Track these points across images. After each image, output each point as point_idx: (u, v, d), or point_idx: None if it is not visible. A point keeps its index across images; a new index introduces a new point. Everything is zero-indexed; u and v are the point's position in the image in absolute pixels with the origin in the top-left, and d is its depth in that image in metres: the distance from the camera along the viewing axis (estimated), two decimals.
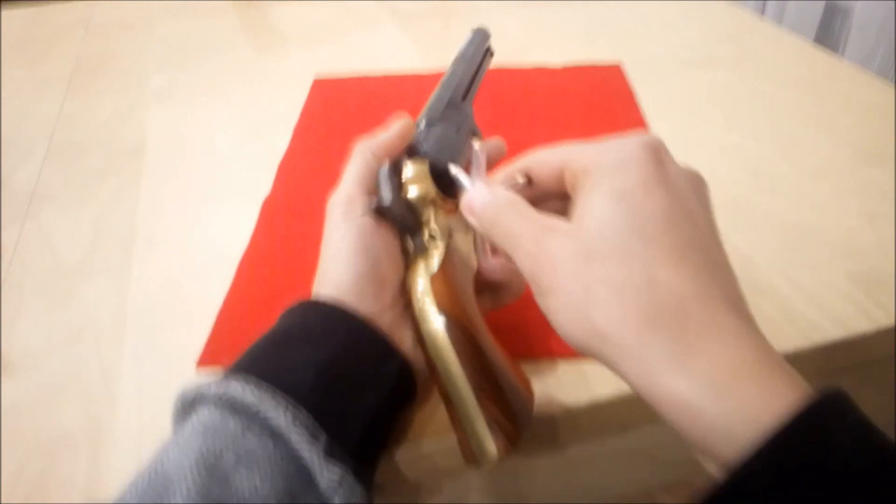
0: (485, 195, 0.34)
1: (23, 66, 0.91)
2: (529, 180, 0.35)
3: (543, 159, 0.35)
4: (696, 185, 0.32)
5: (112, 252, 0.56)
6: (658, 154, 0.30)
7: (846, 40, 1.08)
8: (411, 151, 0.40)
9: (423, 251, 0.37)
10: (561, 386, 0.41)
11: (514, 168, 0.36)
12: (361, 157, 0.40)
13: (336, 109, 0.73)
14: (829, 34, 1.09)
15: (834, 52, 0.99)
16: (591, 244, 0.29)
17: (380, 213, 0.37)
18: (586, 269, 0.28)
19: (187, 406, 0.32)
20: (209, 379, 0.32)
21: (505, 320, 0.42)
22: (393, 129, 0.41)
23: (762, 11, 1.22)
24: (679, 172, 0.31)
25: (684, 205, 0.29)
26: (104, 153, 0.69)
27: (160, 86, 0.82)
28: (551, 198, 0.35)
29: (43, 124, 0.75)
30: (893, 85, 0.69)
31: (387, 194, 0.37)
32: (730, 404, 0.25)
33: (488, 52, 0.48)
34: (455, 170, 0.38)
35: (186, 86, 0.82)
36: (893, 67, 0.96)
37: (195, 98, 0.79)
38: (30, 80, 0.87)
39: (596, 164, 0.31)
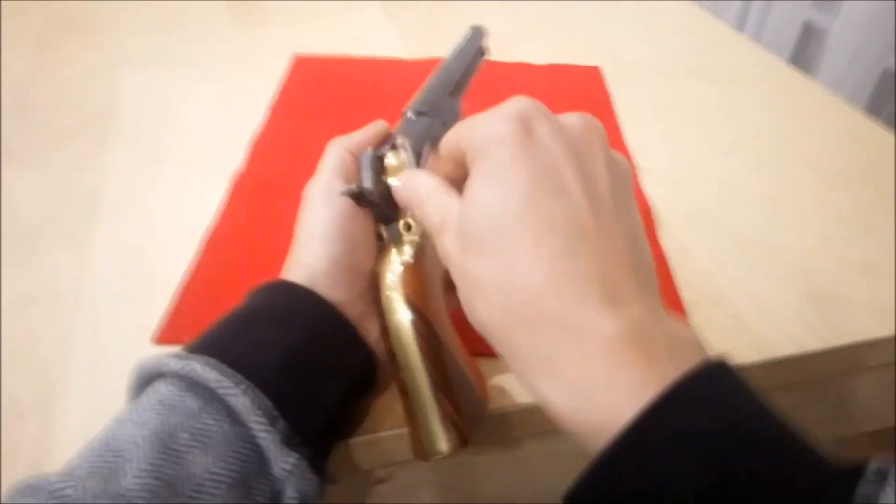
0: (409, 176, 0.35)
1: None
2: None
3: (452, 135, 0.33)
4: (583, 138, 0.30)
5: (74, 216, 0.54)
6: (526, 123, 0.29)
7: (820, 61, 1.10)
8: (395, 139, 0.40)
9: (397, 241, 0.37)
10: (517, 383, 0.41)
11: (442, 147, 0.35)
12: (336, 151, 0.40)
13: (316, 88, 0.72)
14: (804, 54, 1.11)
15: (808, 72, 1.01)
16: (467, 240, 0.28)
17: (358, 198, 0.37)
18: (466, 266, 0.29)
19: (144, 380, 0.32)
20: (169, 354, 0.31)
21: (465, 317, 0.42)
22: (369, 129, 0.41)
23: (742, 26, 1.24)
24: (552, 135, 0.29)
25: (553, 174, 0.28)
26: (72, 114, 0.68)
27: (135, 50, 0.80)
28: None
29: (9, 79, 0.73)
30: (865, 109, 0.71)
31: (367, 180, 0.36)
32: (587, 409, 0.25)
33: (481, 52, 0.48)
34: (404, 148, 0.38)
35: (162, 52, 0.80)
36: (866, 92, 0.98)
37: (170, 65, 0.77)
38: None
39: (471, 145, 0.30)
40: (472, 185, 0.29)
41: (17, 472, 0.28)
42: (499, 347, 0.28)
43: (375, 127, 0.42)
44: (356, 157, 0.39)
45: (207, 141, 0.64)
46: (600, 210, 0.28)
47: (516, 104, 0.30)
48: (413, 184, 0.34)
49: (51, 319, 0.46)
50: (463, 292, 0.29)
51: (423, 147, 0.38)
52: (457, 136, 0.32)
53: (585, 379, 0.25)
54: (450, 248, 0.30)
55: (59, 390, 0.41)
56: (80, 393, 0.41)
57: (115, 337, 0.44)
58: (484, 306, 0.28)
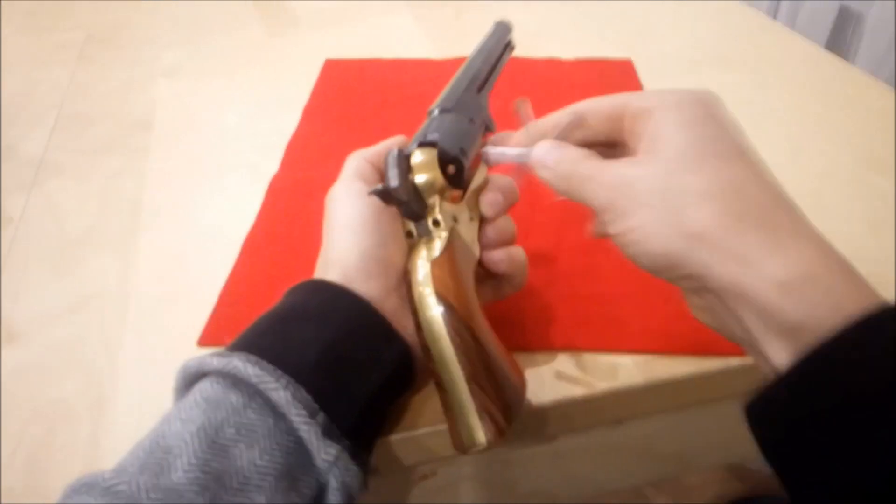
0: (556, 150, 0.35)
1: (34, 33, 0.91)
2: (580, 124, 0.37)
3: (597, 105, 0.36)
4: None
5: (117, 225, 0.56)
6: (709, 100, 0.34)
7: (858, 45, 1.08)
8: (421, 139, 0.40)
9: (426, 237, 0.37)
10: (556, 378, 0.41)
11: (565, 112, 0.37)
12: (356, 160, 0.41)
13: (347, 91, 0.73)
14: (841, 39, 1.09)
15: (845, 56, 0.99)
16: (671, 163, 0.31)
17: (385, 196, 0.37)
18: (671, 183, 0.30)
19: (189, 380, 0.33)
20: (211, 353, 0.32)
21: (503, 311, 0.42)
22: (387, 143, 0.42)
23: (775, 13, 1.22)
24: (729, 119, 0.34)
25: (740, 139, 0.32)
26: (113, 125, 0.70)
27: (170, 60, 0.82)
28: (598, 145, 0.36)
29: (52, 93, 0.75)
30: None
31: (394, 178, 0.36)
32: (819, 290, 0.27)
33: (508, 46, 0.48)
34: (494, 149, 0.39)
35: (197, 62, 0.82)
36: None
37: (205, 74, 0.79)
38: (40, 48, 0.87)
39: (658, 103, 0.33)
40: (674, 125, 0.32)
41: (73, 473, 0.29)
42: (706, 246, 0.29)
43: (394, 140, 0.43)
44: (375, 167, 0.40)
45: (244, 146, 0.65)
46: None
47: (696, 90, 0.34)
48: (566, 152, 0.35)
49: (99, 325, 0.47)
50: (660, 210, 0.30)
51: (464, 151, 0.39)
52: (618, 103, 0.36)
53: (817, 267, 0.28)
54: (640, 177, 0.31)
55: (109, 393, 0.42)
56: (130, 395, 0.42)
57: (161, 340, 0.45)
58: (700, 212, 0.29)
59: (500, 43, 0.47)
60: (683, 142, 0.31)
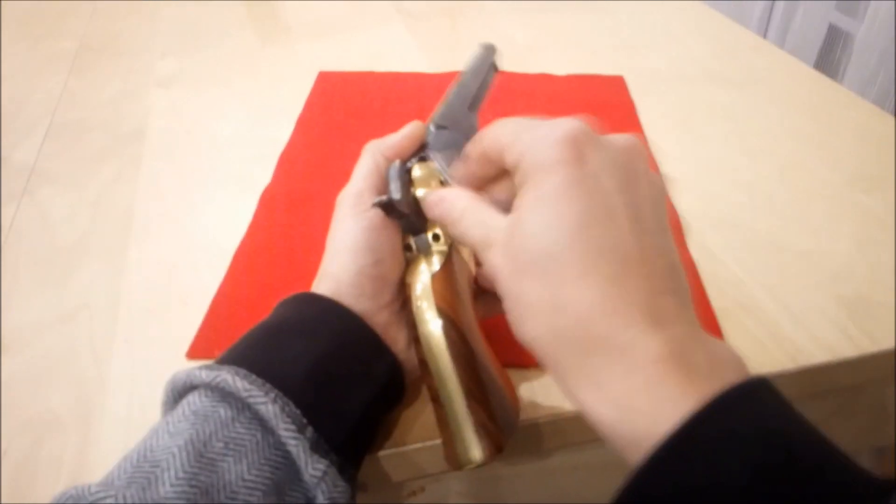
0: (442, 195, 0.35)
1: (27, 41, 0.91)
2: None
3: (492, 140, 0.33)
4: (629, 163, 0.30)
5: (109, 234, 0.56)
6: (578, 148, 0.29)
7: (846, 64, 1.09)
8: (421, 153, 0.40)
9: (425, 251, 0.38)
10: (548, 394, 0.41)
11: (473, 149, 0.35)
12: (371, 157, 0.40)
13: (340, 103, 0.73)
14: (830, 58, 1.10)
15: (833, 75, 1.00)
16: (517, 259, 0.29)
17: (387, 209, 0.37)
18: (514, 285, 0.29)
19: (177, 393, 0.32)
20: (200, 366, 0.32)
21: (496, 327, 0.42)
22: (404, 132, 0.41)
23: (765, 31, 1.23)
24: (602, 163, 0.29)
25: (602, 202, 0.28)
26: (105, 134, 0.69)
27: (164, 70, 0.82)
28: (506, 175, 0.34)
29: (45, 102, 0.75)
30: (893, 113, 0.70)
31: (396, 191, 0.37)
32: (629, 420, 0.26)
33: (493, 68, 0.49)
34: (436, 161, 0.39)
35: (190, 71, 0.82)
36: (893, 94, 0.97)
37: (198, 84, 0.79)
38: (34, 56, 0.87)
39: (520, 163, 0.30)
40: (524, 207, 0.29)
41: (60, 485, 0.29)
42: (544, 361, 0.29)
43: (411, 129, 0.41)
44: (389, 162, 0.39)
45: (237, 158, 0.65)
46: (643, 235, 0.29)
47: (568, 127, 0.30)
48: (447, 202, 0.34)
49: (88, 336, 0.47)
50: (510, 308, 0.29)
51: (452, 161, 0.39)
52: (499, 143, 0.32)
53: (629, 392, 0.26)
54: (497, 264, 0.30)
55: (97, 405, 0.42)
56: (118, 407, 0.42)
57: (150, 352, 0.45)
58: (532, 325, 0.28)
59: (486, 64, 0.48)
60: (531, 230, 0.29)
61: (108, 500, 0.27)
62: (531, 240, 0.29)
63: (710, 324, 0.46)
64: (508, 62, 0.51)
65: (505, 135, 0.32)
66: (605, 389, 0.26)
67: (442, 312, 0.35)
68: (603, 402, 0.26)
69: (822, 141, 0.66)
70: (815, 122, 0.69)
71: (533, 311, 0.28)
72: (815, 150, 0.65)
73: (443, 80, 0.46)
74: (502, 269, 0.30)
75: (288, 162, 0.63)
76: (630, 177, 0.30)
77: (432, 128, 0.42)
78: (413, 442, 0.38)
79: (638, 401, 0.26)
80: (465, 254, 0.39)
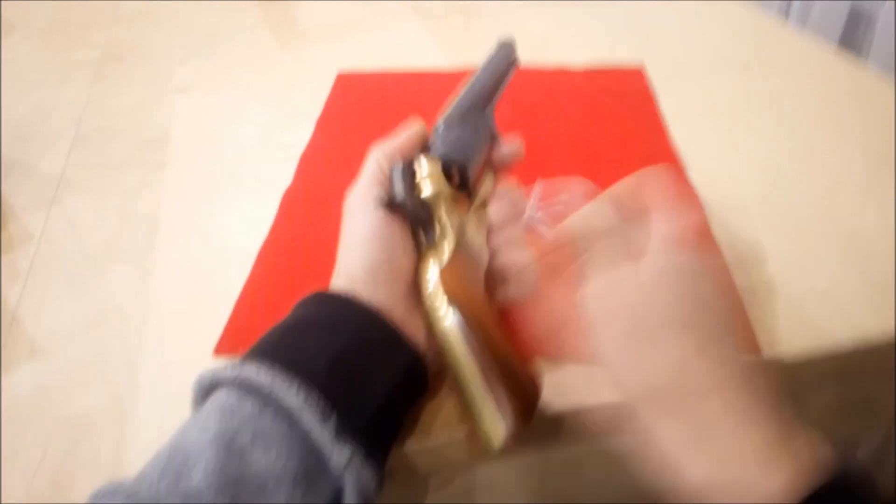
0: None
1: (50, 52, 0.93)
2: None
3: (633, 191, 0.39)
4: (721, 284, 0.36)
5: (136, 239, 0.57)
6: (698, 268, 0.35)
7: (869, 46, 1.07)
8: (427, 151, 0.41)
9: (434, 245, 0.38)
10: (572, 383, 0.41)
11: (608, 196, 0.40)
12: (374, 160, 0.42)
13: (359, 104, 0.74)
14: (852, 39, 1.08)
15: (857, 56, 0.99)
16: (638, 324, 0.34)
17: (392, 207, 0.39)
18: (632, 345, 0.34)
19: (205, 390, 0.33)
20: (225, 364, 0.33)
21: (515, 315, 0.43)
22: (404, 134, 0.43)
23: (786, 15, 1.22)
24: (710, 274, 0.35)
25: (711, 302, 0.34)
26: (130, 141, 0.71)
27: (185, 76, 0.83)
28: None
29: (70, 111, 0.77)
30: None
31: (399, 190, 0.39)
32: (737, 487, 0.29)
33: (513, 64, 0.49)
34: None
35: (210, 77, 0.83)
36: None
37: (219, 89, 0.80)
38: (58, 66, 0.88)
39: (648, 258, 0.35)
40: (657, 272, 0.35)
41: (98, 484, 0.29)
42: (647, 415, 0.33)
43: (411, 129, 0.44)
44: (391, 164, 0.41)
45: (259, 160, 0.66)
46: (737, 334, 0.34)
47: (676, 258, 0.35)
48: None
49: (119, 339, 0.48)
50: (620, 365, 0.34)
51: (469, 161, 0.40)
52: (642, 203, 0.38)
53: (738, 461, 0.30)
54: (613, 327, 0.35)
55: (130, 405, 0.43)
56: (150, 406, 0.43)
57: (179, 352, 0.46)
58: (645, 384, 0.33)
59: (504, 61, 0.48)
60: (659, 300, 0.34)
61: (143, 493, 0.28)
62: (661, 307, 0.34)
63: (736, 305, 0.45)
64: (525, 54, 0.51)
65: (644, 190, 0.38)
66: (713, 455, 0.30)
67: (453, 302, 0.36)
68: (706, 467, 0.30)
69: (846, 122, 0.65)
70: (837, 103, 0.68)
71: (651, 372, 0.33)
72: (838, 132, 0.64)
73: (460, 77, 0.46)
74: (619, 331, 0.35)
75: (308, 163, 0.64)
76: (722, 286, 0.40)
77: (441, 127, 0.43)
78: (438, 435, 0.39)
79: (749, 466, 0.29)
80: (477, 245, 0.40)
